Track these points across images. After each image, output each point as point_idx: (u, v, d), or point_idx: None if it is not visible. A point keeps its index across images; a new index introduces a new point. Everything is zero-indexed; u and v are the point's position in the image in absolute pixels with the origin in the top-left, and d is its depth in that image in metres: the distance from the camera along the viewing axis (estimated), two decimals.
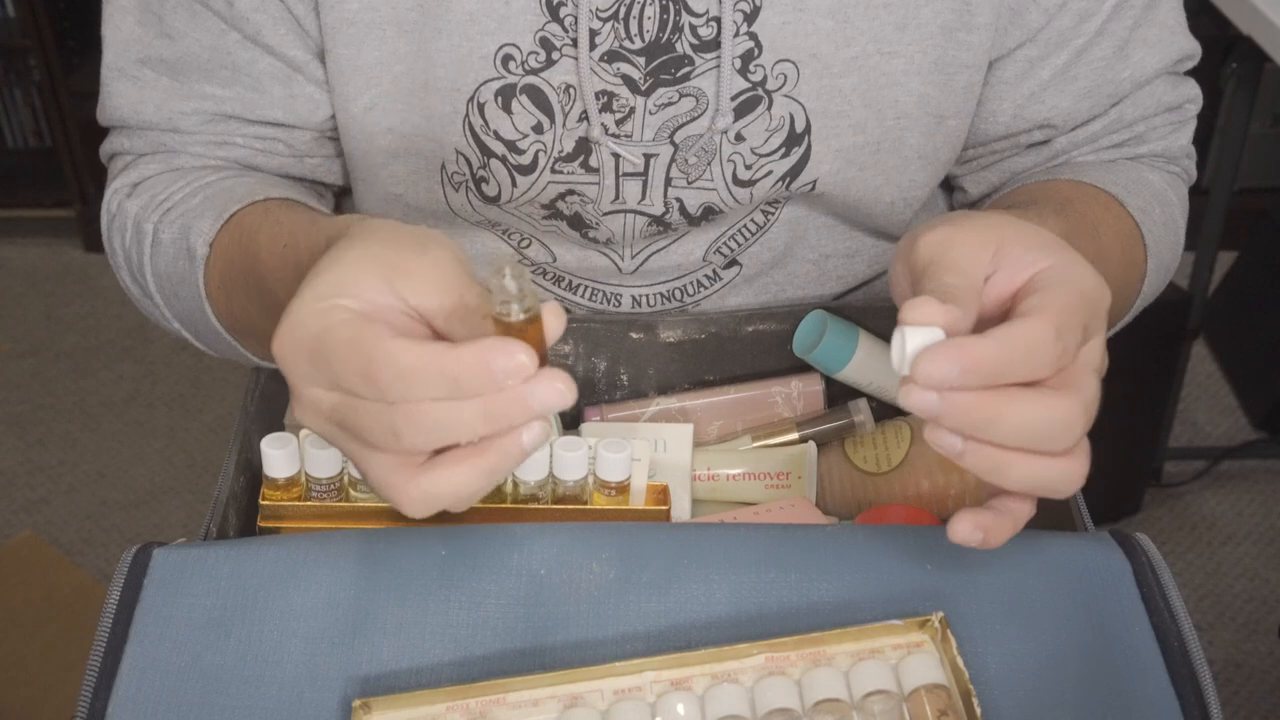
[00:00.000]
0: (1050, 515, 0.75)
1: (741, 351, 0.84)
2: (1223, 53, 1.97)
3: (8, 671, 1.75)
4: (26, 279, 2.73)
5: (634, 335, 0.83)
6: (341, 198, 0.89)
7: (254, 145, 0.80)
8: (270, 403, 0.80)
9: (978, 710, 0.57)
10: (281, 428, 0.78)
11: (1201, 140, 2.68)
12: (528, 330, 0.50)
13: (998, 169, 0.86)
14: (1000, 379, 0.51)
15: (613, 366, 0.84)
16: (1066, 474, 0.53)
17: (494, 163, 0.76)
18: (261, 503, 0.71)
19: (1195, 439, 2.29)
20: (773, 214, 0.82)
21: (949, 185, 0.91)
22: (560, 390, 0.50)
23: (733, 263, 0.84)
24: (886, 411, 0.85)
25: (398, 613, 0.62)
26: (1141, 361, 2.00)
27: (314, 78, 0.78)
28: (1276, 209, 2.42)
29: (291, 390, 0.54)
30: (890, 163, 0.79)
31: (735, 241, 0.83)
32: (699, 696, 0.59)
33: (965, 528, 0.55)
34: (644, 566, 0.63)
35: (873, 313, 0.84)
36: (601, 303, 0.85)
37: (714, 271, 0.85)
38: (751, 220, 0.82)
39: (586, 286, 0.85)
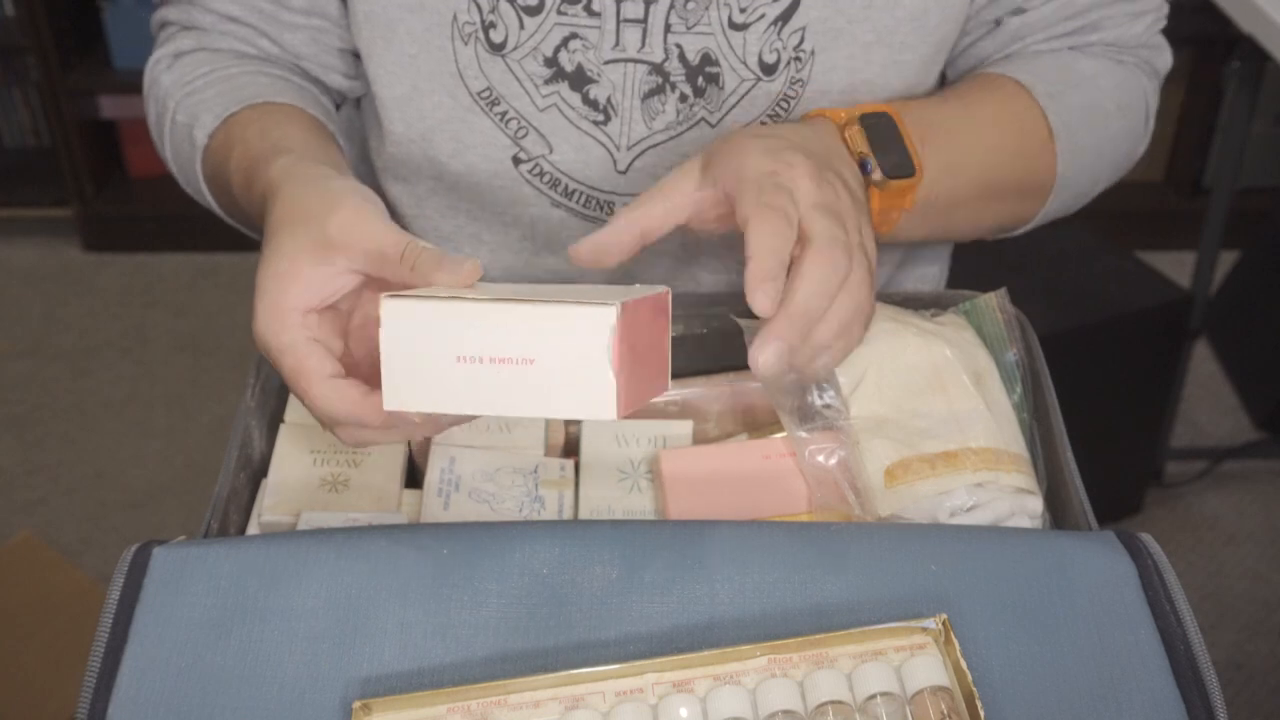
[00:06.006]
0: (1054, 515, 0.75)
1: (745, 346, 0.84)
2: (1224, 52, 1.96)
3: (7, 672, 1.75)
4: (24, 278, 2.72)
5: None
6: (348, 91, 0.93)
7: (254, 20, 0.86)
8: (271, 398, 0.80)
9: (981, 713, 0.57)
10: (282, 422, 0.78)
11: (1202, 140, 2.69)
12: None
13: (969, 55, 0.90)
14: (806, 319, 0.69)
15: None
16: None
17: (503, 5, 0.80)
18: None
19: (1197, 439, 2.29)
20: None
21: None
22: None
23: None
24: None
25: (398, 613, 0.61)
26: (1143, 361, 2.00)
27: None
28: (1278, 209, 2.42)
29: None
30: (882, 21, 0.81)
31: None
32: (701, 698, 0.58)
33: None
34: (647, 566, 0.63)
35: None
36: (595, 210, 0.87)
37: None
38: None
39: (581, 193, 0.86)
